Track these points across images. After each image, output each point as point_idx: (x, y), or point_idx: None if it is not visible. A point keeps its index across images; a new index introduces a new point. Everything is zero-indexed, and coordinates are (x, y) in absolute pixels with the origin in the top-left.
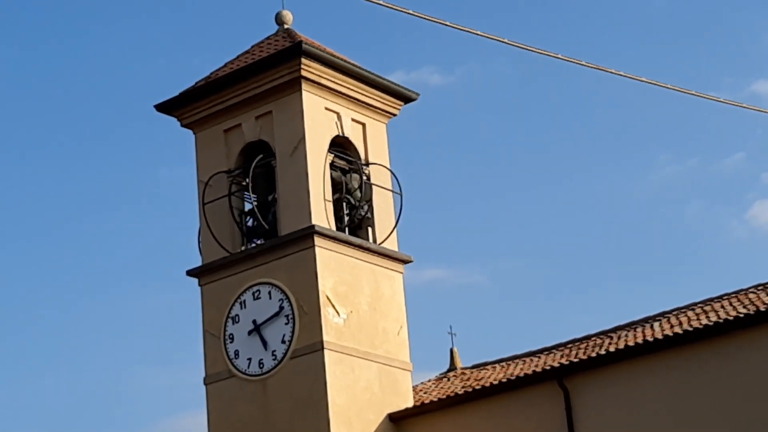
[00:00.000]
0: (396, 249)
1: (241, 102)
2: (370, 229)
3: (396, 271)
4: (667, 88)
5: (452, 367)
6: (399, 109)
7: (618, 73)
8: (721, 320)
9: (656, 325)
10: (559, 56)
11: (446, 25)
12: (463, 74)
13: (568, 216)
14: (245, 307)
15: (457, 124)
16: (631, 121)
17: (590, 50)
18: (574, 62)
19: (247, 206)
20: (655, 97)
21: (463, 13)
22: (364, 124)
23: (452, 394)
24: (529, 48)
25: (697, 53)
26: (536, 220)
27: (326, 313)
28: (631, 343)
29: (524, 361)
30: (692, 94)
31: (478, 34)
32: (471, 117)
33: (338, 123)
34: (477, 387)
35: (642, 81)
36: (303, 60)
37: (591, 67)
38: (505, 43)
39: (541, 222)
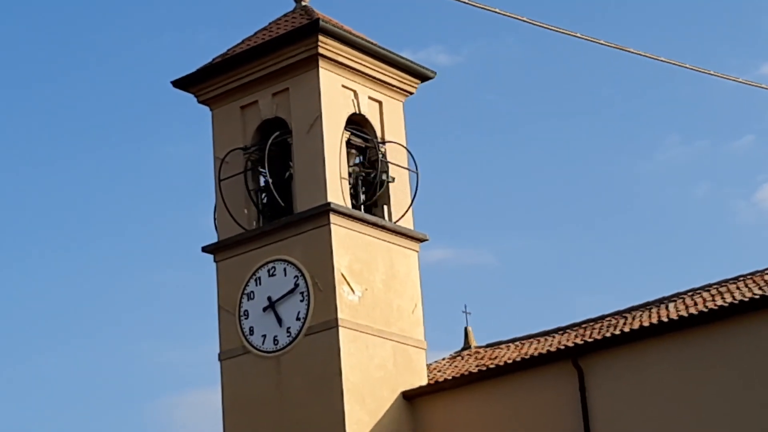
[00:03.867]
0: (411, 227)
1: (258, 79)
2: (385, 207)
3: (411, 249)
4: (685, 67)
5: (466, 345)
6: (416, 88)
7: (628, 50)
8: (736, 301)
9: (671, 305)
10: (571, 33)
11: (463, 2)
12: (470, 54)
13: (576, 196)
14: (260, 283)
15: (464, 104)
16: (640, 101)
17: (598, 29)
18: (584, 39)
19: (263, 183)
20: (665, 78)
21: None
22: (380, 102)
23: (466, 373)
24: (541, 24)
25: (704, 35)
26: (543, 200)
27: (341, 290)
28: (645, 324)
29: (539, 340)
30: (708, 74)
31: (494, 11)
32: (478, 97)
33: (355, 101)
34: (491, 366)
35: (659, 60)
36: (320, 37)
37: (598, 43)
38: (520, 20)
39: (548, 202)
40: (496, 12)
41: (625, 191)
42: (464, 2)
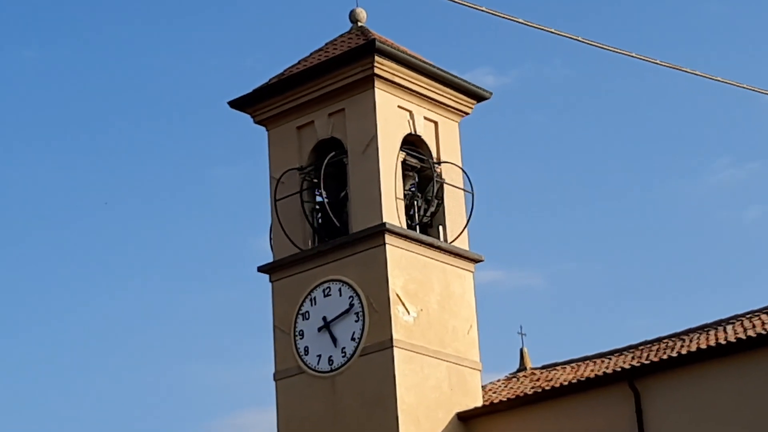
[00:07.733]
0: (467, 248)
1: (314, 99)
2: (441, 228)
3: (466, 270)
4: (738, 86)
5: (522, 367)
6: (472, 108)
7: (678, 68)
8: None
9: (729, 327)
10: (620, 50)
11: (513, 20)
12: (517, 75)
13: (627, 218)
14: (315, 303)
15: (512, 126)
16: (691, 122)
17: (647, 49)
18: (633, 57)
19: (319, 203)
20: (716, 98)
21: (518, 12)
22: (436, 123)
23: (522, 395)
24: (591, 43)
25: (756, 55)
26: (594, 222)
27: (396, 311)
28: (703, 346)
29: (595, 362)
30: (761, 92)
31: (547, 30)
32: (526, 118)
33: (410, 121)
34: (547, 387)
35: (711, 79)
36: (376, 58)
37: (648, 61)
38: (571, 38)
39: (599, 224)
40: (548, 31)
41: (677, 213)
42: (514, 20)
